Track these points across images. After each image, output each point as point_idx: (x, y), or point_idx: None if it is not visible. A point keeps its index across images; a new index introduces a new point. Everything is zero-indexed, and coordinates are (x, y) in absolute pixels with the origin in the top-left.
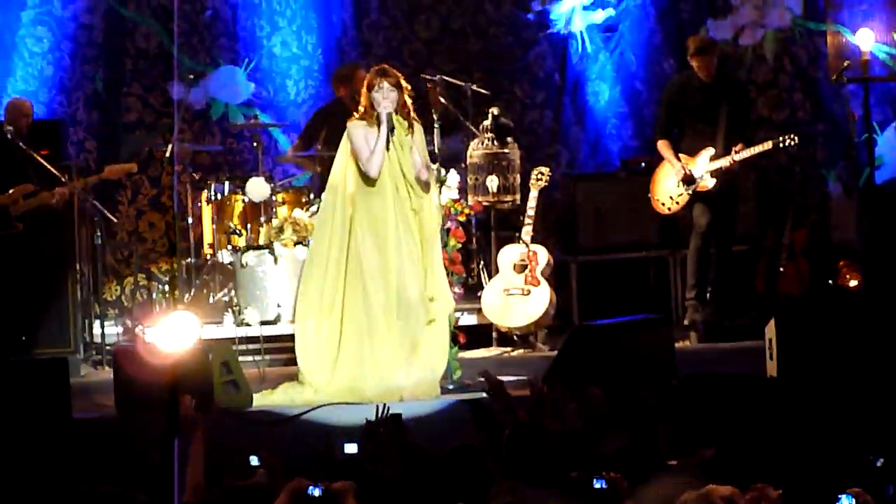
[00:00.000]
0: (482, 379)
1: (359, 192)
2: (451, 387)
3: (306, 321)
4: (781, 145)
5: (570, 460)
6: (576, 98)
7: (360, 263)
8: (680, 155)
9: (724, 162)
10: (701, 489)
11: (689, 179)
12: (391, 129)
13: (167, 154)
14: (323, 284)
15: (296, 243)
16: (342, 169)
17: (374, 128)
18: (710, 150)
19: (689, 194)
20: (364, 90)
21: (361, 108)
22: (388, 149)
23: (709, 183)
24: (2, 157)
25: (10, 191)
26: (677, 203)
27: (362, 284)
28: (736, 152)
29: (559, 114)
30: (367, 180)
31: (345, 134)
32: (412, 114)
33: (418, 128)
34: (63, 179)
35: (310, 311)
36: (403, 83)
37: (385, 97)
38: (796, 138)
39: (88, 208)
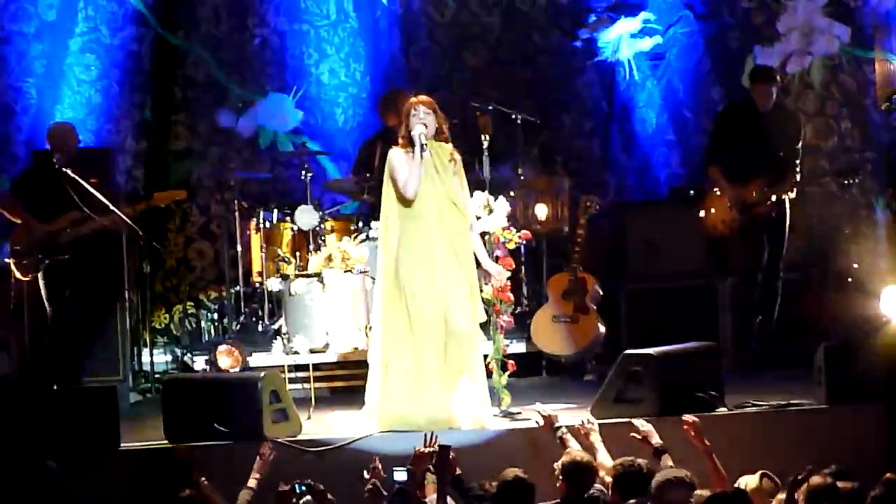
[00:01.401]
0: (535, 410)
1: (404, 219)
2: (499, 415)
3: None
4: (841, 180)
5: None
6: (623, 126)
7: (407, 290)
8: (732, 181)
9: (778, 190)
10: None
11: (742, 206)
12: (422, 147)
13: (216, 183)
14: (381, 314)
15: (345, 271)
16: (387, 199)
17: (412, 153)
18: (764, 177)
19: (741, 220)
20: (403, 119)
21: (401, 137)
22: (431, 170)
23: (761, 210)
24: (50, 184)
25: (60, 218)
26: (730, 228)
27: (410, 311)
28: (791, 182)
29: (607, 141)
30: (410, 205)
31: (386, 164)
32: (450, 141)
33: (458, 156)
34: (117, 212)
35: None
36: (438, 110)
37: (420, 120)
38: (857, 179)
39: (137, 236)
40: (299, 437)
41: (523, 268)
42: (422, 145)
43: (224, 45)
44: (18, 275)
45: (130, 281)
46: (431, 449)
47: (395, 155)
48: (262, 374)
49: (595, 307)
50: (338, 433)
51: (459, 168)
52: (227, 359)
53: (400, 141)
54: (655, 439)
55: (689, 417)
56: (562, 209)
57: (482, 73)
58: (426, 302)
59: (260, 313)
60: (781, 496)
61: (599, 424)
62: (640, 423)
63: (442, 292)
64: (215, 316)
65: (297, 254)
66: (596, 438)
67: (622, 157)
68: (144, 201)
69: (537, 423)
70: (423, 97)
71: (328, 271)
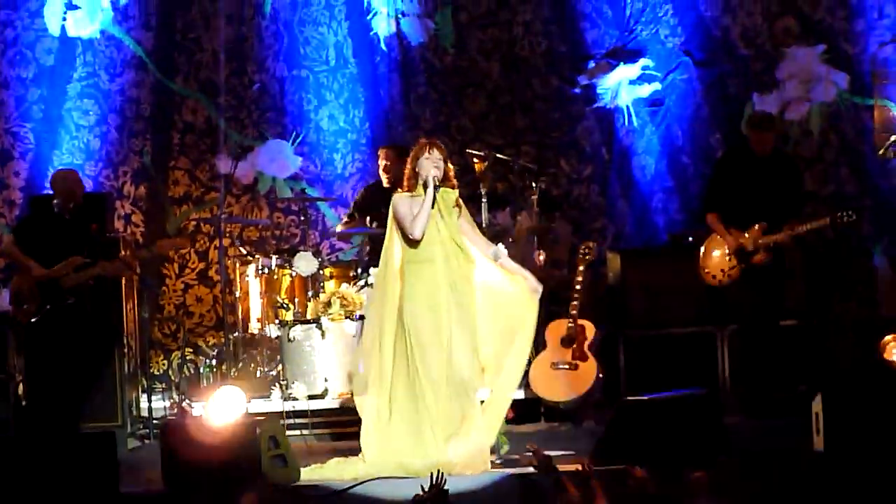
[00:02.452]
0: (531, 453)
1: (409, 265)
2: (498, 461)
3: (362, 396)
4: (839, 221)
5: None
6: (622, 172)
7: (411, 337)
8: (730, 229)
9: (777, 237)
10: None
11: (740, 253)
12: (435, 189)
13: (214, 228)
14: (376, 359)
15: (344, 317)
16: (391, 244)
17: (418, 197)
18: (763, 224)
19: (740, 268)
20: (410, 161)
21: (406, 179)
22: (437, 215)
23: (760, 257)
24: (50, 230)
25: (62, 263)
26: (729, 276)
27: (413, 358)
28: (790, 227)
29: (606, 188)
30: (416, 249)
31: (391, 209)
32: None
33: (463, 204)
34: (119, 259)
35: (363, 385)
36: (447, 157)
37: (433, 164)
38: (854, 214)
39: (136, 282)
40: (298, 483)
41: None
42: (434, 187)
43: (223, 91)
44: (20, 320)
45: (129, 327)
46: (430, 494)
47: (400, 201)
48: (261, 420)
49: (593, 354)
50: (336, 479)
51: (465, 212)
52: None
53: (405, 183)
54: (649, 489)
55: (697, 474)
56: (560, 255)
57: (481, 120)
58: (430, 347)
59: (258, 359)
60: None
61: (597, 471)
62: (637, 469)
63: (446, 337)
64: (214, 362)
65: (296, 300)
66: (596, 484)
67: (621, 204)
68: (147, 249)
69: (531, 463)
70: (436, 141)
71: (327, 317)
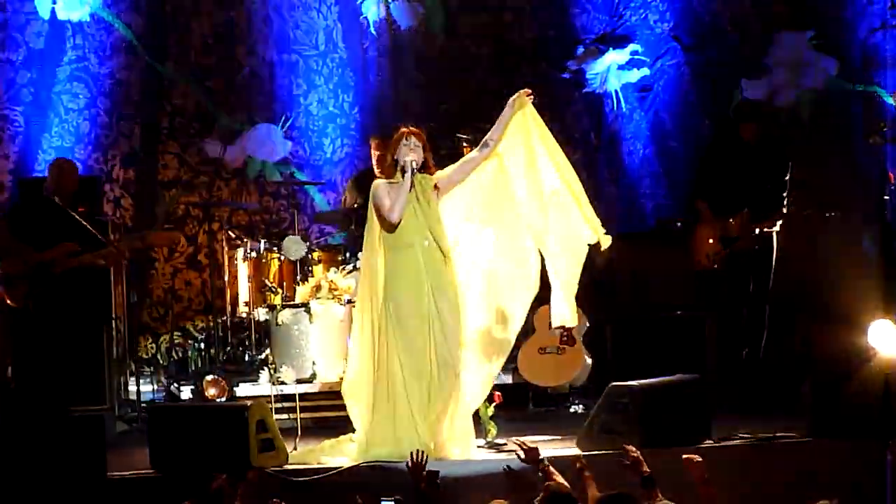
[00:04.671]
0: (517, 446)
1: (390, 251)
2: (485, 446)
3: (352, 381)
4: (828, 213)
5: None
6: (611, 157)
7: (394, 322)
8: (717, 215)
9: (762, 223)
10: None
11: (728, 238)
12: (412, 173)
13: (203, 212)
14: (362, 345)
15: (332, 301)
16: (370, 231)
17: (397, 184)
18: (748, 211)
19: (725, 253)
20: (390, 148)
21: (386, 168)
22: (415, 201)
23: (745, 243)
24: (40, 214)
25: (53, 249)
26: (714, 262)
27: (397, 343)
28: (776, 216)
29: (594, 173)
30: (395, 234)
31: (370, 196)
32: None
33: (439, 171)
34: (110, 246)
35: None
36: (427, 144)
37: (411, 149)
38: (839, 201)
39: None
40: (286, 467)
41: None
42: (412, 171)
43: (212, 75)
44: (10, 302)
45: (117, 310)
46: (418, 475)
47: (379, 185)
48: (249, 403)
49: (581, 339)
50: (325, 462)
51: (444, 171)
52: (213, 389)
53: (385, 170)
54: (644, 467)
55: (695, 457)
56: None
57: (470, 104)
58: (413, 331)
59: (247, 343)
60: None
61: (585, 456)
62: (631, 448)
63: (429, 321)
64: (202, 346)
65: (285, 284)
66: (587, 476)
67: (609, 189)
68: (139, 239)
69: (518, 456)
70: (413, 128)
71: (315, 302)
